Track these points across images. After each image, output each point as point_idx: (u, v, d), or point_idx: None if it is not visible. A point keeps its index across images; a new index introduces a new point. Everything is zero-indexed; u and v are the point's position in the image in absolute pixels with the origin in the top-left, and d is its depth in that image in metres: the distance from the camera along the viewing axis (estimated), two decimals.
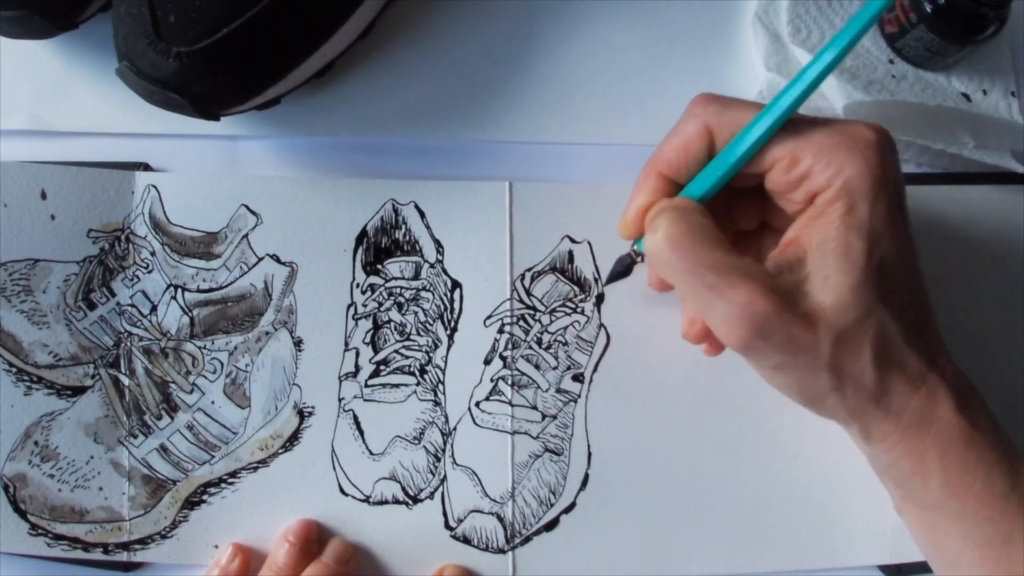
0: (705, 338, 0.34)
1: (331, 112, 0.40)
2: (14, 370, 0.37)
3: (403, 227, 0.39)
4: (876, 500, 0.38)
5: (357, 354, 0.38)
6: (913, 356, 0.29)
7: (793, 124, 0.30)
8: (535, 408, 0.38)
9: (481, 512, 0.37)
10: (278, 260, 0.38)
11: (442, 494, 0.37)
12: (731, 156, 0.30)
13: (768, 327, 0.28)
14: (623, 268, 0.35)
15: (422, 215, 0.39)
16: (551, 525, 0.37)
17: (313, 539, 0.36)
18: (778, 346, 0.28)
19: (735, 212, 0.35)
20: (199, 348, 0.37)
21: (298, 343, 0.38)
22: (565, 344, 0.38)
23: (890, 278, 0.29)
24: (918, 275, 0.31)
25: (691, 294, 0.30)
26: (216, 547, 0.37)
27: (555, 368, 0.38)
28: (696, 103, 0.32)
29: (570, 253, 0.39)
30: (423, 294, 0.38)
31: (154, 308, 0.37)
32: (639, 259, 0.34)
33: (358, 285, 0.38)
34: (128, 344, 0.37)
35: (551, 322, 0.38)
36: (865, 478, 0.38)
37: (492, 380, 0.38)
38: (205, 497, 0.37)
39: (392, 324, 0.38)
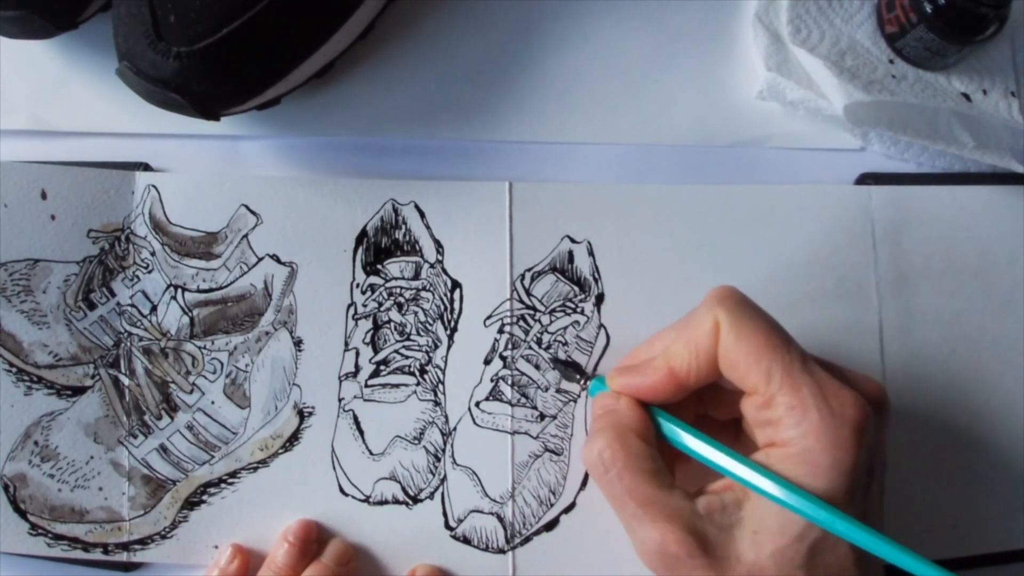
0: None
1: (331, 112, 0.40)
2: (14, 370, 0.37)
3: (403, 227, 0.39)
4: None
5: (357, 354, 0.38)
6: None
7: (789, 360, 0.29)
8: (535, 408, 0.38)
9: (481, 512, 0.37)
10: (278, 260, 0.38)
11: (442, 494, 0.37)
12: (687, 444, 0.30)
13: (676, 567, 0.28)
14: (569, 374, 0.37)
15: (422, 215, 0.39)
16: (551, 525, 0.37)
17: (313, 539, 0.36)
18: None
19: (709, 400, 0.34)
20: (199, 348, 0.37)
21: (298, 343, 0.38)
22: (565, 344, 0.38)
23: (824, 554, 0.28)
24: (864, 554, 0.29)
25: (617, 514, 0.30)
26: (216, 547, 0.37)
27: (555, 368, 0.38)
28: (712, 296, 0.31)
29: (570, 253, 0.39)
30: (423, 294, 0.38)
31: (154, 308, 0.37)
32: (582, 388, 0.37)
33: (358, 285, 0.38)
34: (128, 344, 0.37)
35: (551, 322, 0.38)
36: None
37: (492, 380, 0.38)
38: (205, 497, 0.37)
39: (392, 324, 0.38)
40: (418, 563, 0.37)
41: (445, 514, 0.37)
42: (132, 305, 0.37)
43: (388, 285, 0.38)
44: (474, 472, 0.37)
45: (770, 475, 0.28)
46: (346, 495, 0.37)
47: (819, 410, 0.28)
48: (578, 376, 0.37)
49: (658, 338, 0.33)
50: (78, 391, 0.37)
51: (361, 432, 0.37)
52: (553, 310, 0.38)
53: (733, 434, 0.34)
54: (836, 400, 0.28)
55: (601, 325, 0.38)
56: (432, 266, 0.38)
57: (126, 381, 0.37)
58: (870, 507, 0.29)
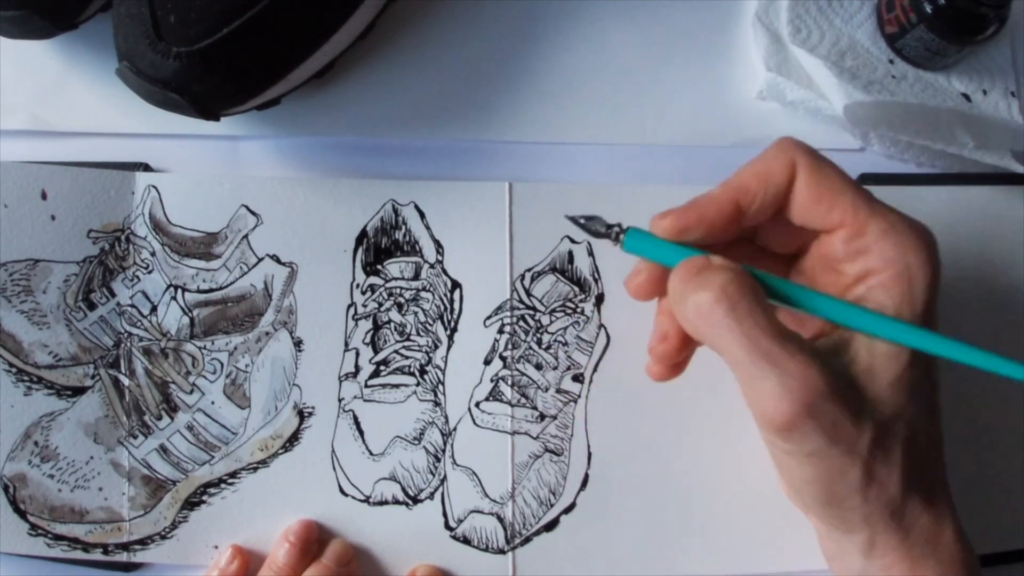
0: (674, 357, 0.32)
1: (331, 112, 0.40)
2: (14, 370, 0.37)
3: (403, 227, 0.39)
4: None
5: (357, 354, 0.38)
6: (932, 469, 0.29)
7: (868, 195, 0.29)
8: (535, 408, 0.38)
9: (481, 512, 0.37)
10: (278, 260, 0.38)
11: (442, 494, 0.37)
12: (809, 300, 0.29)
13: (819, 406, 0.26)
14: (592, 229, 0.32)
15: (422, 215, 0.39)
16: (551, 525, 0.37)
17: (313, 540, 0.36)
18: (822, 430, 0.26)
19: (770, 237, 0.33)
20: (199, 348, 0.37)
21: (298, 343, 0.38)
22: (565, 344, 0.38)
23: (925, 382, 0.29)
24: (937, 390, 0.30)
25: (740, 360, 0.27)
26: (216, 547, 0.37)
27: (555, 368, 0.38)
28: (784, 141, 0.30)
29: (570, 253, 0.39)
30: (423, 294, 0.38)
31: (154, 308, 0.37)
32: (614, 242, 0.31)
33: (358, 285, 0.38)
34: (128, 344, 0.37)
35: (551, 322, 0.38)
36: None
37: (492, 380, 0.38)
38: (205, 497, 0.37)
39: (392, 324, 0.38)
40: (418, 563, 0.37)
41: (445, 514, 0.37)
42: (132, 305, 0.37)
43: (388, 285, 0.38)
44: (474, 472, 0.37)
45: (878, 315, 0.28)
46: (346, 495, 0.37)
47: (912, 230, 0.29)
48: (604, 229, 0.31)
49: (718, 186, 0.31)
50: (78, 391, 0.37)
51: (361, 432, 0.37)
52: (553, 310, 0.38)
53: (783, 274, 0.33)
54: (917, 225, 0.29)
55: (601, 325, 0.38)
56: (432, 266, 0.38)
57: (126, 381, 0.37)
58: (937, 323, 0.30)
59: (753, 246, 0.33)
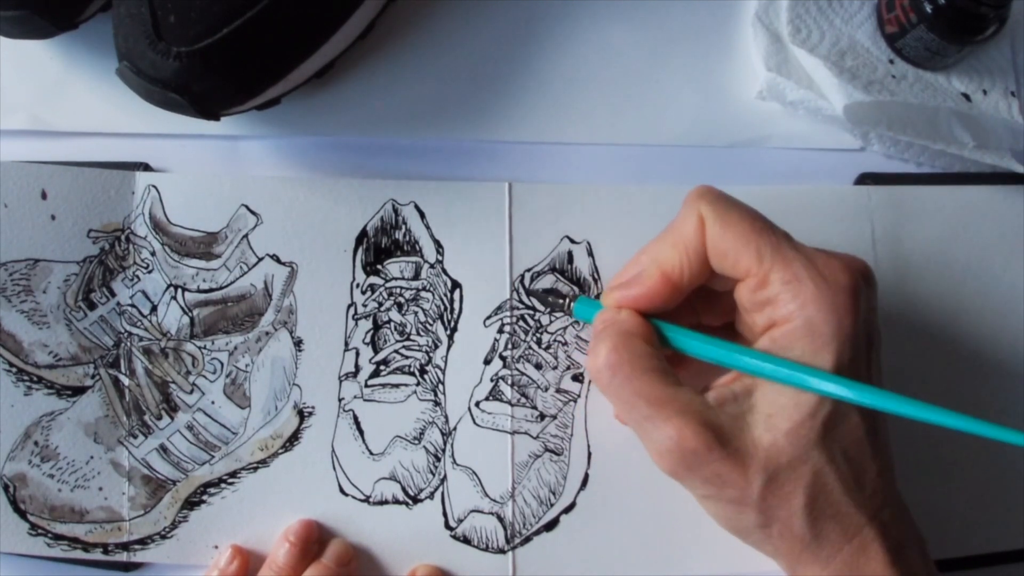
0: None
1: (331, 112, 0.40)
2: (14, 370, 0.37)
3: (403, 227, 0.39)
4: None
5: (357, 354, 0.38)
6: (851, 508, 0.29)
7: (776, 239, 0.29)
8: (535, 408, 0.38)
9: (481, 512, 0.37)
10: (278, 260, 0.38)
11: (442, 494, 0.37)
12: (722, 356, 0.30)
13: (695, 463, 0.28)
14: (550, 300, 0.37)
15: (422, 215, 0.39)
16: (551, 525, 0.37)
17: (314, 539, 0.36)
18: (705, 480, 0.29)
19: (701, 307, 0.34)
20: (199, 348, 0.37)
21: (298, 343, 0.38)
22: (565, 344, 0.38)
23: (838, 428, 0.28)
24: (874, 425, 0.30)
25: (628, 420, 0.30)
26: (216, 547, 0.37)
27: (555, 368, 0.38)
28: (691, 196, 0.31)
29: (570, 253, 0.39)
30: (423, 294, 0.38)
31: (154, 308, 0.37)
32: (566, 311, 0.36)
33: (358, 285, 0.38)
34: (128, 344, 0.37)
35: (551, 322, 0.38)
36: None
37: (492, 380, 0.38)
38: (205, 497, 0.37)
39: (392, 324, 0.38)
40: (418, 563, 0.37)
41: (445, 514, 0.37)
42: (132, 305, 0.37)
43: (388, 285, 0.38)
44: (474, 472, 0.37)
45: (776, 359, 0.28)
46: (346, 495, 0.37)
47: (813, 280, 0.28)
48: (560, 300, 0.36)
49: (643, 251, 0.33)
50: (78, 391, 0.37)
51: (361, 432, 0.37)
52: (553, 310, 0.38)
53: (728, 337, 0.34)
54: (827, 269, 0.29)
55: None
56: (432, 266, 0.38)
57: (126, 381, 0.37)
58: (873, 377, 0.30)
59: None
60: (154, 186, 0.38)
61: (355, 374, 0.38)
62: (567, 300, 0.36)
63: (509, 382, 0.38)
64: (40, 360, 0.37)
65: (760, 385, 0.29)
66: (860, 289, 0.29)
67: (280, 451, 0.37)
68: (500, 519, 0.37)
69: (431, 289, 0.38)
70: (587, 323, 0.34)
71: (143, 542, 0.36)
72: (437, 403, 0.38)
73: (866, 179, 0.41)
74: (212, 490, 0.37)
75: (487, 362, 0.38)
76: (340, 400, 0.37)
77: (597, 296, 0.39)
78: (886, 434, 0.31)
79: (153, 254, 0.38)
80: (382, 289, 0.38)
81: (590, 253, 0.39)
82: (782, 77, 0.40)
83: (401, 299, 0.38)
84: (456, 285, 0.38)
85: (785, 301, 0.29)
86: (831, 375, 0.28)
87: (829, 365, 0.28)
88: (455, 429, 0.38)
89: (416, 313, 0.38)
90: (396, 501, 0.37)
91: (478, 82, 0.40)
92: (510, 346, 0.38)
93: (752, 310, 0.30)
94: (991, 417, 0.39)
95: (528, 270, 0.39)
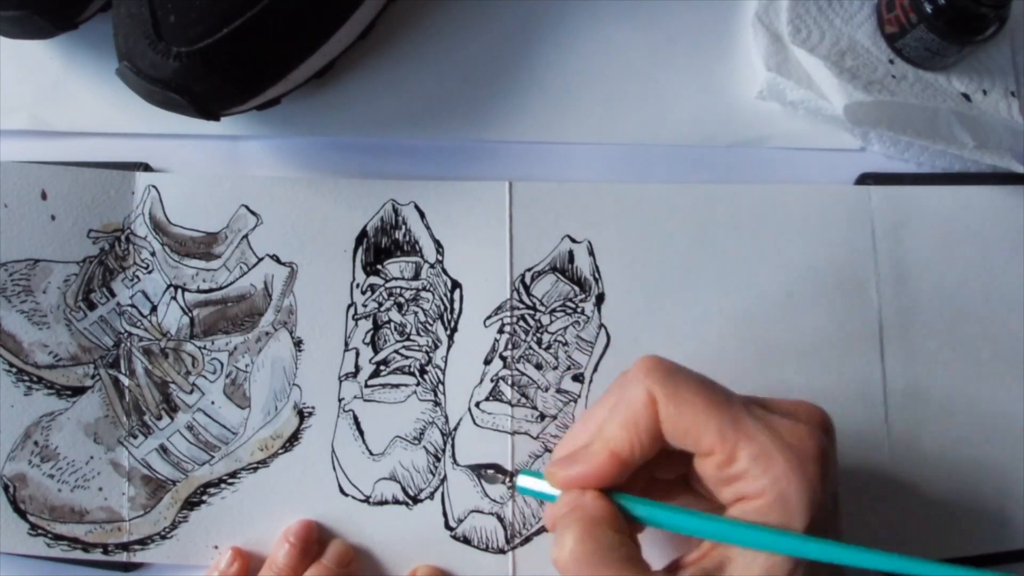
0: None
1: (331, 112, 0.40)
2: (14, 370, 0.37)
3: (403, 227, 0.39)
4: (873, 501, 0.38)
5: (357, 354, 0.38)
6: None
7: (735, 411, 0.28)
8: (535, 408, 0.38)
9: (481, 512, 0.37)
10: (278, 260, 0.38)
11: (442, 494, 0.37)
12: (695, 527, 0.29)
13: None
14: (489, 477, 0.36)
15: (422, 215, 0.39)
16: None
17: (314, 540, 0.36)
18: None
19: (653, 463, 0.32)
20: (199, 348, 0.37)
21: (298, 343, 0.38)
22: (565, 344, 0.38)
23: None
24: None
25: None
26: (216, 548, 0.37)
27: (555, 368, 0.38)
28: (638, 369, 0.30)
29: (570, 253, 0.39)
30: (423, 294, 0.38)
31: (154, 308, 0.37)
32: (509, 489, 0.35)
33: (358, 285, 0.38)
34: (128, 344, 0.37)
35: (551, 322, 0.38)
36: (863, 478, 0.38)
37: (492, 380, 0.38)
38: (205, 497, 0.37)
39: (392, 324, 0.38)
40: (418, 563, 0.37)
41: (445, 514, 0.37)
42: (132, 305, 0.37)
43: (388, 285, 0.38)
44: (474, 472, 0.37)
45: (754, 526, 0.28)
46: (346, 495, 0.37)
47: (782, 452, 0.27)
48: (501, 476, 0.36)
49: (590, 418, 0.32)
50: (78, 391, 0.37)
51: (361, 432, 0.37)
52: (553, 310, 0.38)
53: (680, 488, 0.33)
54: (793, 437, 0.28)
55: (601, 325, 0.38)
56: (432, 266, 0.38)
57: (126, 381, 0.37)
58: (838, 523, 0.29)
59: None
60: (154, 186, 0.38)
61: (355, 374, 0.38)
62: (507, 477, 0.35)
63: (509, 382, 0.38)
64: (40, 360, 0.37)
65: (732, 559, 0.28)
66: (827, 451, 0.28)
67: (280, 451, 0.37)
68: (500, 519, 0.37)
69: (431, 289, 0.38)
70: (531, 496, 0.33)
71: (143, 542, 0.36)
72: (437, 403, 0.38)
73: (866, 179, 0.41)
74: (212, 490, 0.37)
75: (487, 362, 0.38)
76: (340, 400, 0.37)
77: (598, 296, 0.39)
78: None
79: (153, 254, 0.38)
80: (382, 289, 0.38)
81: (591, 252, 0.39)
82: (782, 77, 0.40)
83: (401, 299, 0.38)
84: (456, 285, 0.38)
85: (755, 476, 0.28)
86: (813, 538, 0.27)
87: (802, 530, 0.27)
88: (455, 429, 0.38)
89: (416, 313, 0.38)
90: (396, 501, 0.37)
91: (478, 82, 0.40)
92: (510, 346, 0.38)
93: (717, 483, 0.29)
94: (991, 416, 0.39)
95: (528, 269, 0.39)
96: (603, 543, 0.28)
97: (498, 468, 0.35)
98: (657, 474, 0.33)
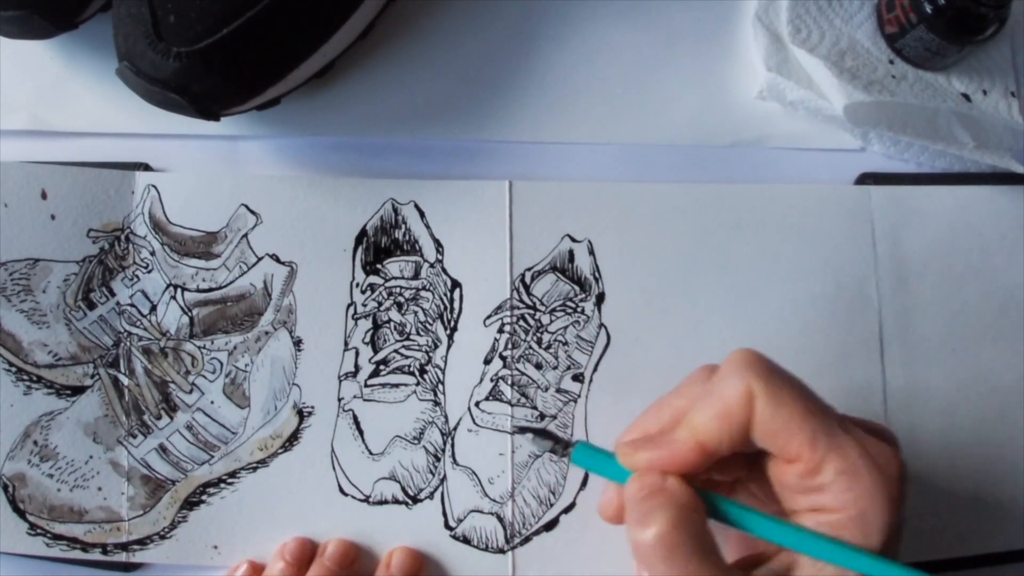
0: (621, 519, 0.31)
1: (331, 112, 0.40)
2: (14, 369, 0.37)
3: (403, 227, 0.39)
4: None
5: (357, 354, 0.38)
6: None
7: (830, 422, 0.28)
8: (535, 408, 0.38)
9: (481, 512, 0.37)
10: (278, 260, 0.38)
11: (442, 494, 0.37)
12: (771, 532, 0.28)
13: None
14: (542, 441, 0.32)
15: (422, 215, 0.39)
16: (551, 525, 0.37)
17: (308, 558, 0.36)
18: None
19: (718, 461, 0.31)
20: (198, 348, 0.37)
21: (298, 343, 0.38)
22: (565, 344, 0.38)
23: None
24: None
25: None
26: (215, 547, 0.36)
27: (555, 368, 0.38)
28: (738, 362, 0.29)
29: (570, 252, 0.39)
30: (423, 294, 0.38)
31: (154, 308, 0.37)
32: (562, 456, 0.31)
33: (358, 285, 0.38)
34: (128, 344, 0.37)
35: (551, 322, 0.38)
36: None
37: (492, 380, 0.38)
38: (204, 497, 0.37)
39: (392, 324, 0.38)
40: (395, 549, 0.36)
41: (445, 514, 0.37)
42: (132, 305, 0.37)
43: (388, 285, 0.38)
44: (474, 472, 0.37)
45: (834, 542, 0.27)
46: (346, 495, 0.37)
47: (870, 472, 0.27)
48: (555, 444, 0.32)
49: (665, 406, 0.31)
50: (77, 391, 0.37)
51: (361, 432, 0.37)
52: (553, 309, 0.38)
53: (736, 493, 0.33)
54: (881, 457, 0.28)
55: (602, 325, 0.38)
56: (432, 266, 0.38)
57: (125, 381, 0.37)
58: (901, 544, 0.29)
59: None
60: (154, 186, 0.38)
61: (355, 374, 0.38)
62: (563, 447, 0.31)
63: (509, 382, 0.38)
64: (40, 360, 0.37)
65: (800, 564, 0.28)
66: (906, 475, 0.28)
67: (280, 451, 0.37)
68: (500, 519, 0.37)
69: (431, 288, 0.38)
70: (583, 468, 0.32)
71: (142, 542, 0.36)
72: (437, 403, 0.38)
73: (866, 179, 0.41)
74: (211, 490, 0.37)
75: (487, 362, 0.38)
76: (340, 400, 0.37)
77: (598, 295, 0.39)
78: None
79: (153, 254, 0.38)
80: (382, 288, 0.38)
81: (591, 252, 0.39)
82: (782, 77, 0.40)
83: (401, 299, 0.38)
84: (456, 284, 0.38)
85: (839, 491, 0.27)
86: (886, 560, 0.27)
87: (877, 549, 0.27)
88: (455, 429, 0.38)
89: (416, 313, 0.38)
90: (396, 501, 0.37)
91: (478, 82, 0.40)
92: (510, 346, 0.38)
93: (794, 491, 0.29)
94: (991, 416, 0.39)
95: (528, 269, 0.38)
96: (693, 532, 0.27)
97: (552, 434, 0.32)
98: (715, 475, 0.32)
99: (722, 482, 0.33)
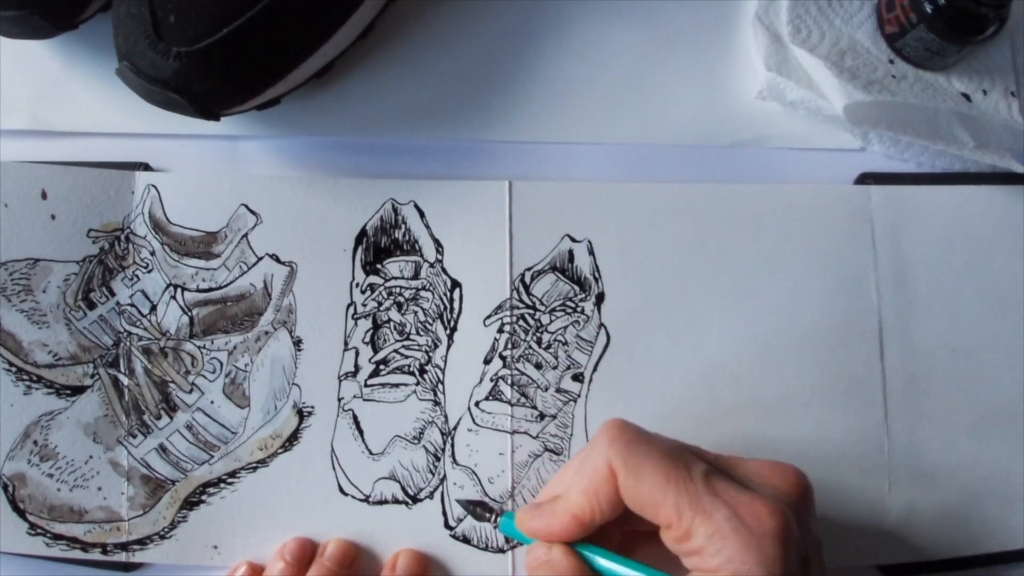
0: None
1: (331, 112, 0.40)
2: (14, 369, 0.37)
3: (402, 227, 0.39)
4: (875, 500, 0.38)
5: (356, 354, 0.38)
6: None
7: (694, 488, 0.29)
8: (535, 408, 0.38)
9: None
10: (278, 260, 0.38)
11: (442, 493, 0.37)
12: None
13: None
14: (477, 513, 0.37)
15: (421, 215, 0.39)
16: None
17: (308, 559, 0.36)
18: None
19: (630, 515, 0.32)
20: (198, 348, 0.37)
21: (297, 343, 0.38)
22: (565, 344, 0.38)
23: None
24: None
25: None
26: (215, 548, 0.36)
27: (555, 368, 0.38)
28: (603, 435, 0.31)
29: (570, 252, 0.39)
30: (423, 294, 0.38)
31: (154, 308, 0.37)
32: (494, 525, 0.36)
33: (357, 285, 0.38)
34: (127, 344, 0.37)
35: (551, 321, 0.38)
36: (865, 478, 0.38)
37: (492, 380, 0.38)
38: (204, 497, 0.37)
39: (392, 324, 0.38)
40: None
41: (445, 514, 0.37)
42: (132, 305, 0.37)
43: (388, 285, 0.38)
44: (474, 472, 0.37)
45: None
46: (346, 495, 0.37)
47: (737, 532, 0.27)
48: (487, 514, 0.36)
49: (567, 469, 0.33)
50: (77, 391, 0.37)
51: (361, 432, 0.37)
52: (553, 309, 0.38)
53: (659, 538, 0.33)
54: (752, 516, 0.28)
55: (601, 324, 0.38)
56: (432, 265, 0.38)
57: (125, 381, 0.37)
58: None
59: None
60: (154, 186, 0.38)
61: (355, 374, 0.38)
62: (494, 516, 0.36)
63: (509, 382, 0.38)
64: (40, 359, 0.37)
65: None
66: (789, 528, 0.28)
67: (279, 451, 0.37)
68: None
69: (431, 288, 0.38)
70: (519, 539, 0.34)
71: (142, 542, 0.36)
72: (437, 403, 0.38)
73: (866, 179, 0.41)
74: (211, 490, 0.37)
75: (487, 362, 0.38)
76: (340, 400, 0.37)
77: (598, 295, 0.39)
78: None
79: (153, 254, 0.38)
80: (381, 288, 0.38)
81: (591, 252, 0.39)
82: (782, 77, 0.40)
83: (401, 298, 0.38)
84: (456, 284, 0.38)
85: (711, 554, 0.28)
86: None
87: None
88: (455, 429, 0.38)
89: (416, 312, 0.38)
90: (396, 501, 0.37)
91: (478, 82, 0.40)
92: (510, 346, 0.38)
93: (679, 554, 0.30)
94: (991, 416, 0.39)
95: (528, 269, 0.38)
96: None
97: (485, 506, 0.36)
98: (635, 526, 0.33)
99: (643, 531, 0.33)
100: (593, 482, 0.30)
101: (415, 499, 0.37)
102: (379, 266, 0.38)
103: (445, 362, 0.38)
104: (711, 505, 0.28)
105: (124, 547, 0.36)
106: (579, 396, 0.38)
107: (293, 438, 0.37)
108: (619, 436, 0.30)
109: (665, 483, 0.29)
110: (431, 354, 0.38)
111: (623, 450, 0.30)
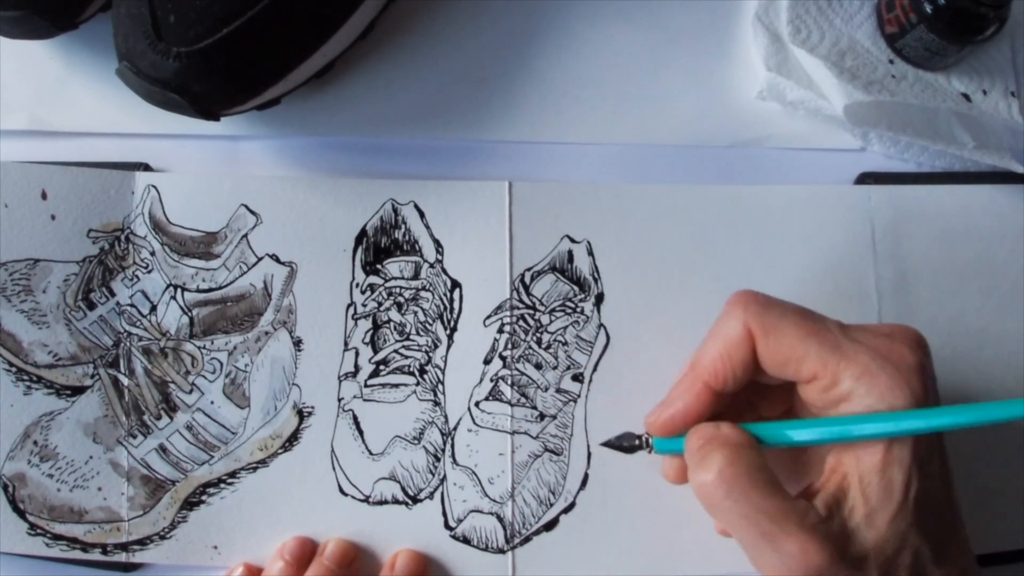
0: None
1: (331, 112, 0.40)
2: (14, 369, 0.37)
3: (402, 227, 0.39)
4: None
5: (356, 354, 0.38)
6: (941, 572, 0.29)
7: (833, 336, 0.29)
8: (535, 408, 0.38)
9: (481, 512, 0.37)
10: (277, 260, 0.38)
11: (442, 494, 0.37)
12: (791, 435, 0.30)
13: None
14: (626, 447, 0.34)
15: (421, 215, 0.39)
16: (551, 525, 0.37)
17: (308, 558, 0.36)
18: None
19: (758, 402, 0.34)
20: (198, 348, 0.37)
21: (297, 343, 0.38)
22: (565, 344, 0.38)
23: (926, 504, 0.29)
24: (950, 492, 0.30)
25: (741, 538, 0.29)
26: (215, 548, 0.36)
27: (555, 368, 0.38)
28: (735, 303, 0.31)
29: (570, 253, 0.39)
30: (423, 294, 0.38)
31: (154, 308, 0.37)
32: (648, 451, 0.34)
33: (357, 285, 0.38)
34: (128, 344, 0.37)
35: (551, 322, 0.38)
36: None
37: (492, 380, 0.38)
38: (204, 498, 0.37)
39: (392, 324, 0.38)
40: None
41: (445, 514, 0.37)
42: (132, 305, 0.37)
43: (388, 285, 0.38)
44: (474, 472, 0.37)
45: (873, 416, 0.28)
46: (346, 495, 0.37)
47: (884, 370, 0.28)
48: (637, 442, 0.34)
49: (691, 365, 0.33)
50: (77, 391, 0.37)
51: (361, 432, 0.37)
52: (553, 310, 0.38)
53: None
54: (894, 353, 0.29)
55: (601, 325, 0.38)
56: (432, 266, 0.38)
57: (125, 381, 0.37)
58: (942, 438, 0.30)
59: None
60: (154, 186, 0.38)
61: (355, 374, 0.38)
62: (644, 441, 0.34)
63: (509, 382, 0.38)
64: (40, 360, 0.37)
65: (852, 485, 0.29)
66: (926, 365, 0.29)
67: (279, 451, 0.37)
68: (500, 519, 0.37)
69: (431, 289, 0.38)
70: (670, 454, 0.33)
71: (142, 542, 0.36)
72: (437, 403, 0.38)
73: (866, 179, 0.41)
74: (211, 490, 0.37)
75: (487, 362, 0.38)
76: (340, 400, 0.37)
77: (597, 295, 0.39)
78: (955, 491, 0.31)
79: (153, 254, 0.38)
80: (381, 289, 0.38)
81: (590, 252, 0.39)
82: (782, 77, 0.40)
83: (401, 299, 0.38)
84: (456, 284, 0.38)
85: (861, 395, 0.28)
86: (924, 410, 0.28)
87: (909, 447, 0.28)
88: (455, 429, 0.38)
89: (416, 313, 0.38)
90: (396, 501, 0.37)
91: (478, 82, 0.40)
92: (510, 346, 0.38)
93: (825, 408, 0.30)
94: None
95: (528, 269, 0.39)
96: (750, 467, 0.29)
97: (630, 436, 0.34)
98: (762, 412, 0.34)
99: (771, 418, 0.34)
100: (727, 347, 0.30)
101: (415, 499, 0.37)
102: (379, 266, 0.38)
103: (445, 362, 0.38)
104: (853, 350, 0.29)
105: (124, 547, 0.36)
106: (579, 396, 0.38)
107: (293, 438, 0.37)
108: (753, 300, 0.31)
109: (806, 336, 0.29)
110: (431, 354, 0.38)
111: (760, 311, 0.30)
